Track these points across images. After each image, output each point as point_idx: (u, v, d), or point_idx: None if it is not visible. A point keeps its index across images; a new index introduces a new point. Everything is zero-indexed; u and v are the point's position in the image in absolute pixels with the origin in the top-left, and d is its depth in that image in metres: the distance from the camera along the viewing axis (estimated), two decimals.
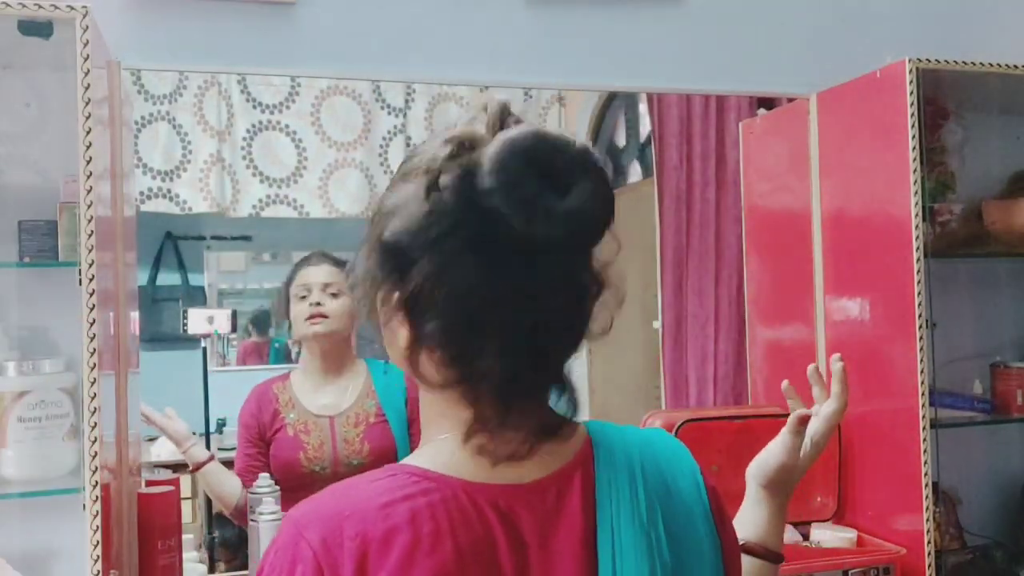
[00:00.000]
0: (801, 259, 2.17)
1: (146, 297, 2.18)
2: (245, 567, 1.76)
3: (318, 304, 1.89)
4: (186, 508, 1.92)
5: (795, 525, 1.97)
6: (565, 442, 0.75)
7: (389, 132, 2.23)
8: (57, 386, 1.59)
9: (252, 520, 1.65)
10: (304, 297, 1.90)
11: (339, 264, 1.91)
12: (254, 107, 2.13)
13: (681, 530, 0.75)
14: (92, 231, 1.45)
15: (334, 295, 1.90)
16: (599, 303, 0.74)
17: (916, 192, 1.84)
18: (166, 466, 1.94)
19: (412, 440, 1.88)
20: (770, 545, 0.99)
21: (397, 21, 1.95)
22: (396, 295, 0.72)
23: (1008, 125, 2.35)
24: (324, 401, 1.91)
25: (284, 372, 1.96)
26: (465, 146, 0.70)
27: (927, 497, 1.82)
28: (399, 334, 0.73)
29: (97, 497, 1.44)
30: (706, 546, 0.77)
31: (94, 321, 1.44)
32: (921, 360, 1.82)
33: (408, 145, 2.23)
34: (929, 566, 1.83)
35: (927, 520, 1.83)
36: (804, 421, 1.00)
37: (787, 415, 1.03)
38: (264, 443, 1.88)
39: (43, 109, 1.73)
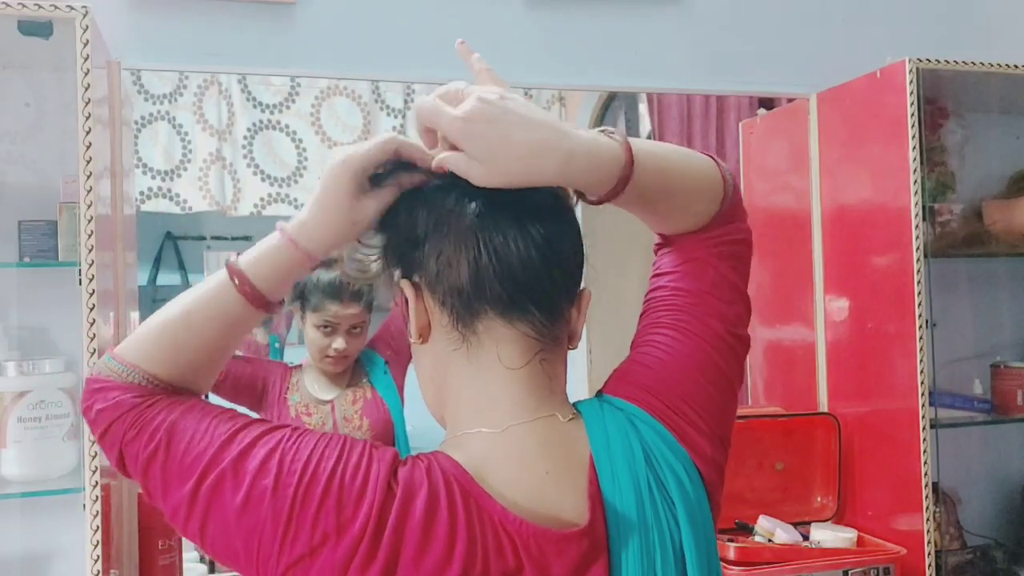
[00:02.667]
0: (801, 259, 2.17)
1: (146, 297, 2.17)
2: None
3: (342, 349, 1.88)
4: None
5: (795, 525, 1.97)
6: (573, 452, 0.76)
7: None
8: (57, 386, 1.59)
9: None
10: (328, 331, 1.88)
11: (368, 305, 1.91)
12: (254, 107, 2.12)
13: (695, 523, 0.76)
14: (92, 231, 1.45)
15: (357, 333, 1.90)
16: None
17: (916, 192, 1.84)
18: None
19: (397, 384, 1.94)
20: None
21: (397, 21, 1.95)
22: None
23: (1008, 125, 2.35)
24: (325, 387, 1.95)
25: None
26: None
27: (927, 497, 1.82)
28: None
29: (97, 497, 1.44)
30: (703, 504, 0.78)
31: (94, 321, 1.44)
32: (921, 360, 1.82)
33: None
34: (929, 566, 1.83)
35: (927, 520, 1.83)
36: None
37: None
38: (255, 393, 1.90)
39: (43, 109, 1.73)
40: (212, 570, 2.02)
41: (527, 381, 0.76)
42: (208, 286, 0.79)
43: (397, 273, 0.79)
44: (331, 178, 0.76)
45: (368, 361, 1.97)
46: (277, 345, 2.39)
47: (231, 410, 0.76)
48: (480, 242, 0.73)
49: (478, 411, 0.76)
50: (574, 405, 0.81)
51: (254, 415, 0.77)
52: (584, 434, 0.77)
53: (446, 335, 0.77)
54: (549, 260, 0.75)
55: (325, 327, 1.88)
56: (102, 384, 0.77)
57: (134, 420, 0.75)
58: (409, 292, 0.77)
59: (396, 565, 0.67)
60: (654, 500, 0.74)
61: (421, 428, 1.96)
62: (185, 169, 2.08)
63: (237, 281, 0.77)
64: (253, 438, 0.72)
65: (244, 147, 2.12)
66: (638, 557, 0.72)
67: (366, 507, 0.68)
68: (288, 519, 0.68)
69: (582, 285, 0.81)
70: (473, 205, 0.74)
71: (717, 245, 0.85)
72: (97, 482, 1.44)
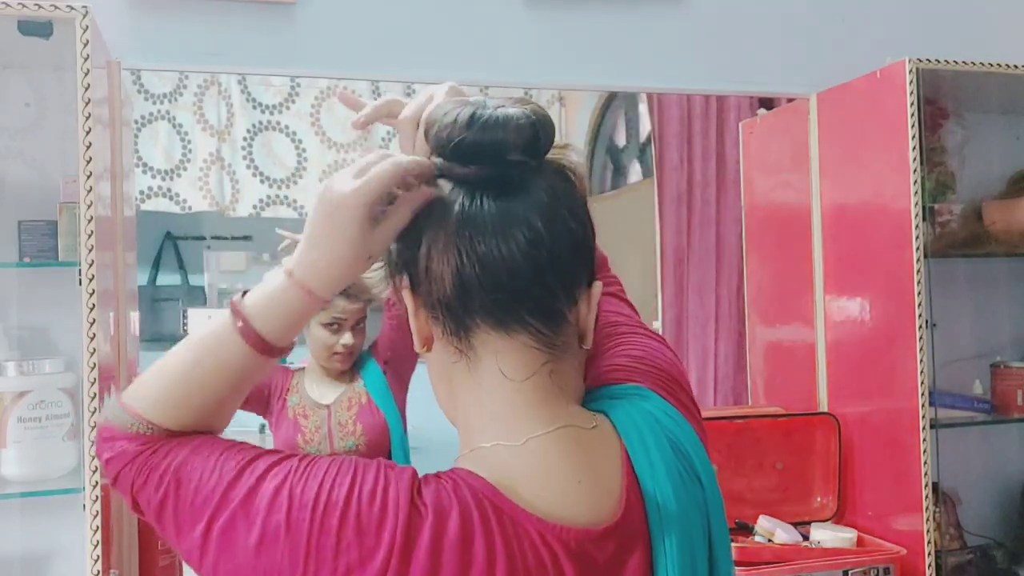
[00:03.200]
0: (801, 259, 2.17)
1: (146, 297, 2.17)
2: None
3: (350, 345, 1.90)
4: None
5: (795, 525, 1.97)
6: (603, 453, 0.74)
7: (388, 133, 2.23)
8: (57, 386, 1.59)
9: None
10: (335, 328, 1.90)
11: (368, 300, 1.93)
12: (254, 107, 2.13)
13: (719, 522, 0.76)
14: (92, 231, 1.45)
15: (361, 329, 1.92)
16: None
17: (916, 192, 1.84)
18: None
19: (393, 391, 1.94)
20: None
21: (397, 21, 1.95)
22: None
23: (1008, 125, 2.35)
24: (324, 391, 1.96)
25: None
26: None
27: (927, 497, 1.82)
28: None
29: (97, 497, 1.44)
30: (713, 476, 0.78)
31: (94, 321, 1.44)
32: (921, 360, 1.82)
33: None
34: (929, 566, 1.83)
35: (927, 520, 1.83)
36: None
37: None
38: (262, 398, 1.91)
39: (43, 109, 1.73)
40: None
41: (534, 393, 0.72)
42: (214, 335, 0.75)
43: (401, 281, 0.76)
44: (340, 210, 0.70)
45: (365, 366, 1.97)
46: None
47: (240, 442, 0.73)
48: (462, 253, 0.69)
49: (490, 424, 0.72)
50: (590, 408, 0.78)
51: (263, 420, 0.74)
52: (612, 437, 0.74)
53: (444, 348, 0.74)
54: (540, 265, 0.70)
55: (332, 324, 1.89)
56: (110, 433, 0.75)
57: (141, 467, 0.72)
58: (409, 302, 0.75)
59: None
60: (685, 483, 0.74)
61: (420, 428, 1.96)
62: (185, 169, 2.08)
63: (241, 323, 0.73)
64: (261, 472, 0.68)
65: (243, 148, 2.12)
66: (679, 542, 0.71)
67: (388, 533, 0.64)
68: (306, 554, 0.64)
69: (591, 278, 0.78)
70: (456, 211, 0.70)
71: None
72: (97, 482, 1.44)
